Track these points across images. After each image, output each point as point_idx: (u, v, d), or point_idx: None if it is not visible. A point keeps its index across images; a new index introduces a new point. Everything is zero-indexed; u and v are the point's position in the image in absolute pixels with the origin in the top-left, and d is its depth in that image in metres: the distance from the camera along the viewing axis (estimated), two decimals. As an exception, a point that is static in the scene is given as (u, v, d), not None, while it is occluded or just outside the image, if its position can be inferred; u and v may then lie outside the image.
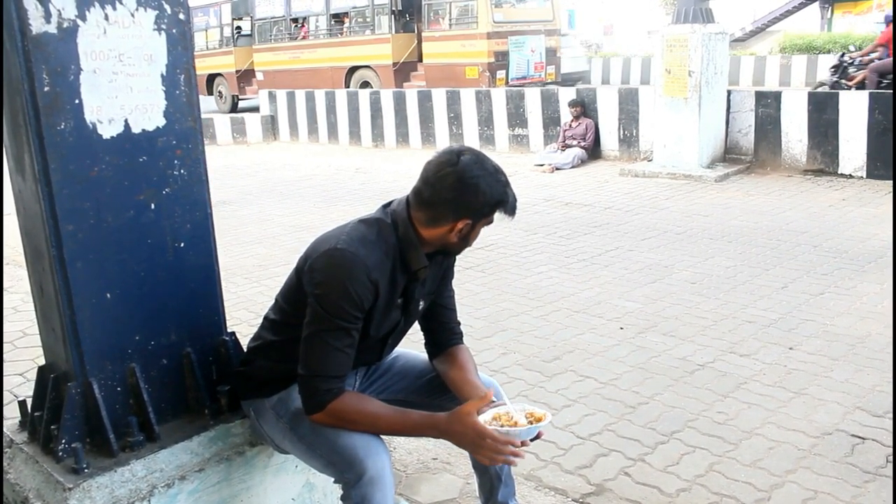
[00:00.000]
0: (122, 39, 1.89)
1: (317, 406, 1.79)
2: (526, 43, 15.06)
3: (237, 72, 19.85)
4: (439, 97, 11.55)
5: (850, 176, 8.09)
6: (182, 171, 2.02)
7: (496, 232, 6.34)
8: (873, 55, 11.88)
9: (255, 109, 15.84)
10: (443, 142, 11.37)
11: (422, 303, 2.02)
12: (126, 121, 1.90)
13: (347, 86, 16.24)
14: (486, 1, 14.32)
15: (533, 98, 10.61)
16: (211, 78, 20.72)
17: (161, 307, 2.01)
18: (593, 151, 9.79)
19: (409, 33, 16.12)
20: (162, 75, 1.98)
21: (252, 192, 8.99)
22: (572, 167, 9.36)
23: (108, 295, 1.89)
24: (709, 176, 8.23)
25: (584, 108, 9.84)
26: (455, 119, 11.32)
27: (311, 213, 7.64)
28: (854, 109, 8.00)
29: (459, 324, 2.20)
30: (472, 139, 11.11)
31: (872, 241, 5.79)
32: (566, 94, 10.28)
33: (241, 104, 20.72)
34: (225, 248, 6.26)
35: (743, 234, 6.11)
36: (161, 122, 1.98)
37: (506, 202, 1.83)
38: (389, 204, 1.95)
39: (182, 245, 2.03)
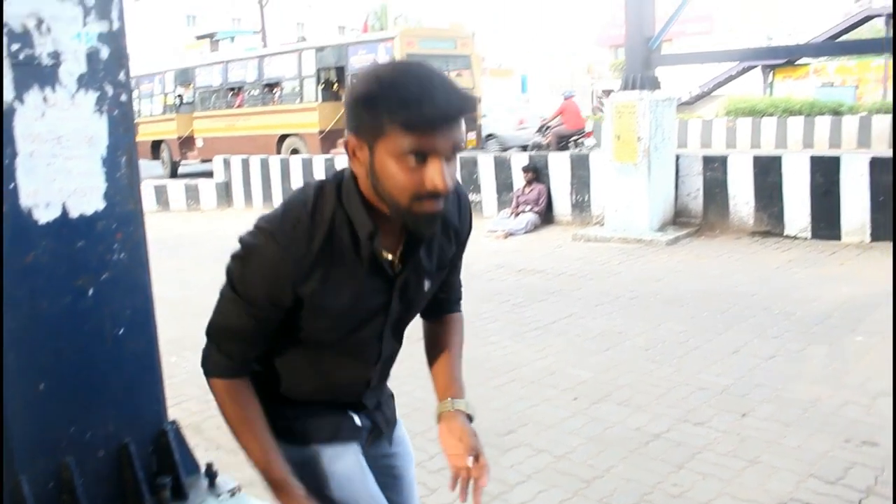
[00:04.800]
0: (62, 122, 1.86)
1: (206, 371, 1.59)
2: None
3: (179, 138, 20.34)
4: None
5: (796, 237, 8.26)
6: (122, 255, 1.98)
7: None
8: (553, 122, 15.58)
9: (197, 175, 15.92)
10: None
11: (427, 283, 1.59)
12: (64, 205, 1.86)
13: (279, 153, 16.60)
14: None
15: (486, 164, 10.73)
16: (156, 144, 21.21)
17: (98, 397, 1.94)
18: (546, 216, 9.89)
19: (336, 102, 16.64)
20: (102, 157, 1.95)
21: (206, 260, 8.88)
22: (526, 232, 9.43)
23: (42, 386, 1.82)
24: (660, 240, 8.35)
25: (537, 173, 9.97)
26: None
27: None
28: (797, 172, 8.22)
29: (461, 286, 1.85)
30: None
31: (819, 303, 5.88)
32: (519, 160, 10.42)
33: (182, 169, 21.17)
34: (177, 319, 6.13)
35: (694, 299, 6.18)
36: (101, 205, 1.94)
37: (392, 98, 1.26)
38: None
39: (121, 332, 1.98)
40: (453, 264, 1.69)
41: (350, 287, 1.46)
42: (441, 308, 1.82)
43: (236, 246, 1.48)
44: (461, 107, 1.30)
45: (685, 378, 4.42)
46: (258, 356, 1.59)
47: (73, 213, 1.88)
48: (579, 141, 16.36)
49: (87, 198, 1.91)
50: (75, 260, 1.88)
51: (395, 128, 1.26)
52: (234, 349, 1.53)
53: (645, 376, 4.49)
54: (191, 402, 4.31)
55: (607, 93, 13.26)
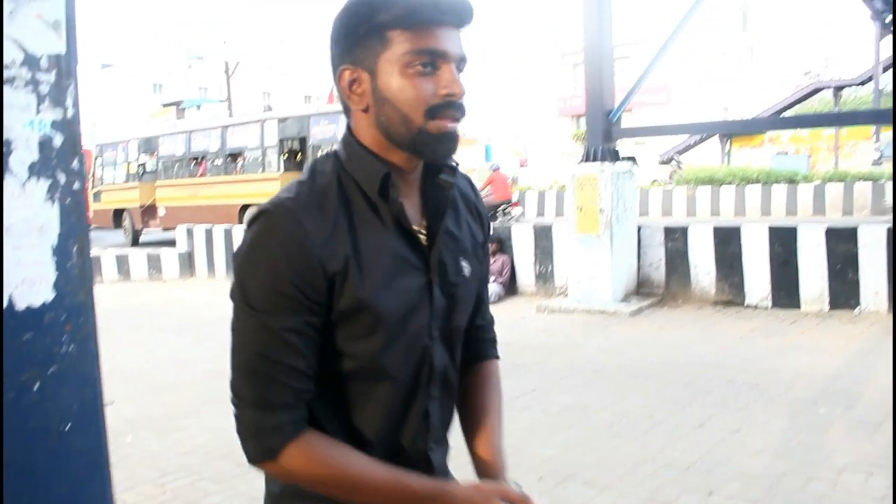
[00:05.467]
0: (11, 211, 1.81)
1: (264, 452, 1.18)
2: None
3: (141, 206, 20.29)
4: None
5: (757, 306, 8.36)
6: (71, 347, 1.91)
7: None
8: (483, 192, 15.37)
9: (159, 244, 15.82)
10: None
11: (465, 265, 1.33)
12: (10, 296, 1.80)
13: (241, 222, 16.63)
14: None
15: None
16: (118, 212, 21.19)
17: (43, 496, 1.86)
18: (510, 287, 9.91)
19: (298, 172, 16.58)
20: (53, 247, 1.89)
21: (167, 332, 8.75)
22: (490, 303, 9.39)
23: (-19, 487, 1.74)
24: (623, 311, 8.38)
25: (501, 244, 10.01)
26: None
27: (225, 358, 7.40)
28: (755, 242, 8.36)
29: (493, 321, 1.61)
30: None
31: (781, 374, 5.91)
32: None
33: (144, 238, 21.10)
34: (134, 396, 6.01)
35: (658, 371, 6.18)
36: (50, 296, 1.88)
37: (393, 3, 1.15)
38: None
39: (68, 427, 1.90)
40: (484, 263, 1.46)
41: (384, 257, 1.19)
42: (477, 345, 1.53)
43: (237, 251, 1.20)
44: (465, 4, 1.19)
45: (651, 454, 4.38)
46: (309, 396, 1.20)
47: (20, 305, 1.82)
48: (506, 210, 17.18)
49: (36, 288, 1.86)
50: (21, 353, 1.81)
51: (397, 32, 1.14)
52: (276, 395, 1.16)
53: (611, 453, 4.45)
54: (146, 485, 4.17)
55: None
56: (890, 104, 31.74)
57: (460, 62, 1.19)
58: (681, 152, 30.49)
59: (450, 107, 1.17)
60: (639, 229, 9.15)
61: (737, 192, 21.62)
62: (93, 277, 2.01)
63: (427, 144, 1.19)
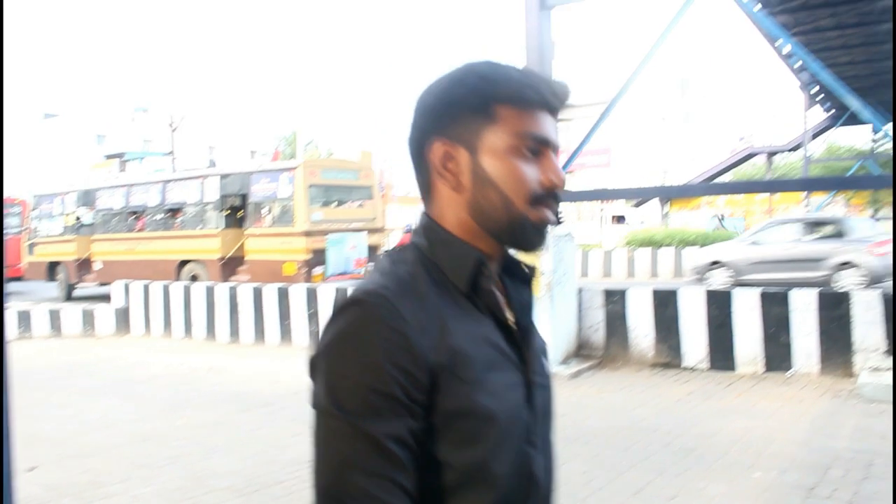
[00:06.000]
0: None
1: None
2: (345, 240, 15.90)
3: (77, 260, 19.91)
4: (298, 293, 11.50)
5: (694, 368, 8.47)
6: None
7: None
8: None
9: (92, 299, 15.48)
10: (300, 339, 11.22)
11: (546, 363, 1.23)
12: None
13: (178, 278, 16.51)
14: (303, 202, 15.36)
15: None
16: (53, 265, 20.75)
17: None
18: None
19: (238, 229, 16.79)
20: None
21: (97, 392, 8.48)
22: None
23: None
24: (563, 373, 8.41)
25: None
26: (314, 316, 11.24)
27: (158, 419, 7.22)
28: (692, 305, 8.51)
29: None
30: (331, 334, 10.97)
31: (719, 437, 5.97)
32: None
33: (78, 293, 20.67)
34: (59, 461, 5.79)
35: (597, 435, 6.18)
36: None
37: (503, 76, 1.08)
38: (413, 232, 1.17)
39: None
40: None
41: (486, 351, 1.06)
42: None
43: (322, 348, 1.03)
44: (568, 90, 1.11)
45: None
46: None
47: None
48: None
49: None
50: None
51: (508, 110, 1.06)
52: None
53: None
54: (66, 560, 3.99)
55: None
56: (818, 171, 33.02)
57: (556, 150, 1.13)
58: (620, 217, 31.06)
59: (552, 196, 1.10)
60: (579, 292, 9.25)
61: (675, 253, 22.07)
62: (4, 335, 1.94)
63: (525, 233, 1.09)
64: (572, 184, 26.74)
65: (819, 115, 27.77)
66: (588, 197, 12.35)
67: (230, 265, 16.49)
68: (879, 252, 14.59)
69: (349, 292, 1.05)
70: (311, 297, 11.30)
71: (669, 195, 19.31)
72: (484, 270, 1.08)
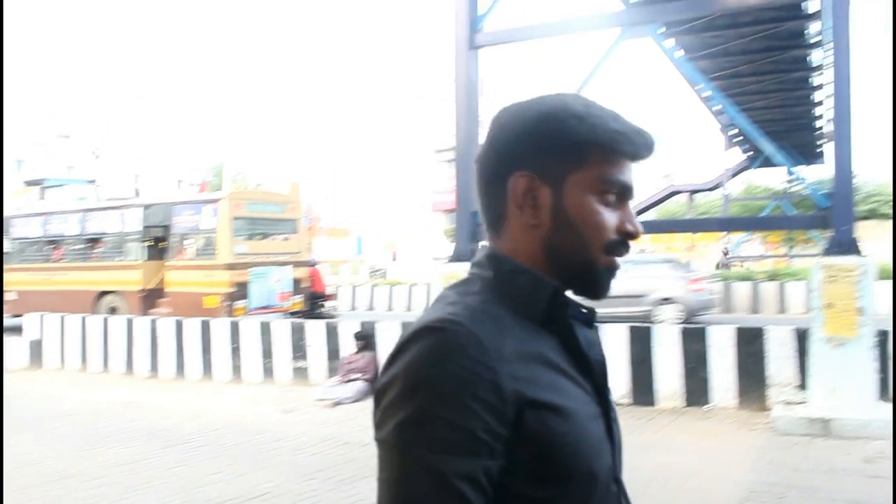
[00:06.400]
0: None
1: None
2: (269, 274, 15.75)
3: None
4: (220, 327, 11.28)
5: (617, 404, 8.51)
6: None
7: (269, 478, 6.04)
8: (304, 285, 16.62)
9: (7, 330, 14.93)
10: (221, 373, 10.99)
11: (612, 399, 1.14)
12: None
13: (95, 310, 15.97)
14: (227, 234, 15.16)
15: (315, 330, 10.62)
16: None
17: None
18: (376, 385, 9.77)
19: (160, 260, 16.46)
20: None
21: (9, 429, 8.11)
22: (355, 401, 9.26)
23: None
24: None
25: (367, 340, 9.95)
26: (236, 350, 11.04)
27: (72, 457, 6.95)
28: (616, 341, 8.63)
29: None
30: (253, 371, 10.81)
31: (640, 472, 5.96)
32: (347, 327, 10.39)
33: None
34: (-39, 505, 5.51)
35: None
36: None
37: (598, 118, 1.04)
38: (473, 265, 1.13)
39: None
40: None
41: (566, 383, 1.01)
42: None
43: (391, 379, 0.96)
44: (655, 141, 1.08)
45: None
46: None
47: None
48: (321, 303, 17.72)
49: None
50: None
51: (599, 154, 1.03)
52: None
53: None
54: None
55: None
56: (737, 209, 34.10)
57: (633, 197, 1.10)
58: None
59: (626, 245, 1.07)
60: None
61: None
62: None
63: (596, 278, 1.06)
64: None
65: (738, 155, 28.73)
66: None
67: (151, 297, 16.09)
68: (696, 288, 15.58)
69: (419, 321, 0.98)
70: (234, 330, 11.10)
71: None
72: (560, 301, 1.05)
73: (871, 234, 25.12)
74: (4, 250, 19.65)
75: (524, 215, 1.05)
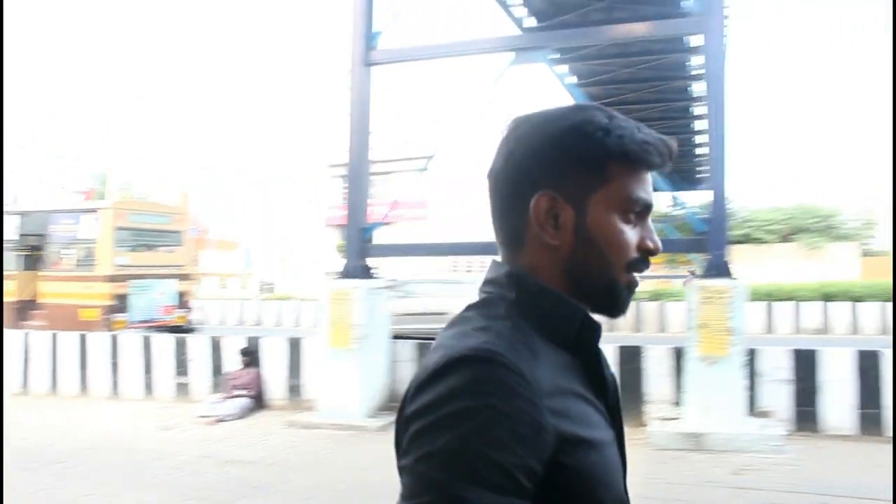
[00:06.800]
0: None
1: None
2: (152, 287, 15.34)
3: None
4: (99, 341, 10.84)
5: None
6: None
7: (145, 499, 5.82)
8: None
9: None
10: (99, 389, 10.55)
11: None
12: None
13: None
14: (108, 245, 14.64)
15: (198, 345, 10.34)
16: None
17: None
18: (261, 401, 9.61)
19: (35, 271, 15.70)
20: None
21: None
22: (238, 418, 9.04)
23: None
24: (372, 426, 8.36)
25: (253, 356, 9.76)
26: (116, 365, 10.62)
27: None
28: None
29: None
30: (133, 387, 10.42)
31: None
32: (231, 342, 10.17)
33: None
34: None
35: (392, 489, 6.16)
36: None
37: (631, 136, 1.01)
38: (488, 282, 1.07)
39: None
40: None
41: (593, 413, 0.99)
42: None
43: (424, 408, 0.89)
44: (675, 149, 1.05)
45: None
46: None
47: None
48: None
49: None
50: None
51: (622, 170, 1.00)
52: None
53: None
54: None
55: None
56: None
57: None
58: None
59: (647, 262, 1.04)
60: (391, 344, 9.29)
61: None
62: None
63: (616, 296, 1.03)
64: (394, 236, 27.00)
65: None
66: (399, 252, 12.41)
67: (24, 309, 15.26)
68: None
69: (450, 349, 0.92)
70: (114, 344, 10.69)
71: (484, 251, 19.81)
72: (589, 325, 1.02)
73: (745, 258, 26.49)
74: None
75: (545, 235, 1.01)
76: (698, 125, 19.99)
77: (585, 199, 1.00)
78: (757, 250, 29.45)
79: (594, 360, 1.03)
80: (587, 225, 1.00)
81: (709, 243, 8.01)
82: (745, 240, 30.84)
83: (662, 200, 34.55)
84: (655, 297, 21.89)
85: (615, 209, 1.01)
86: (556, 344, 0.98)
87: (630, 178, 1.01)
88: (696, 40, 13.29)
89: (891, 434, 7.42)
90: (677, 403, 8.05)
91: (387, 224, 22.02)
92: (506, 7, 11.98)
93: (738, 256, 22.19)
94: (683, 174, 27.44)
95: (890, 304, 17.40)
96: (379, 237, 10.27)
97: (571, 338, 1.00)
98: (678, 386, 8.08)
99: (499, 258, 1.08)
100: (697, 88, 16.90)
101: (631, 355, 8.47)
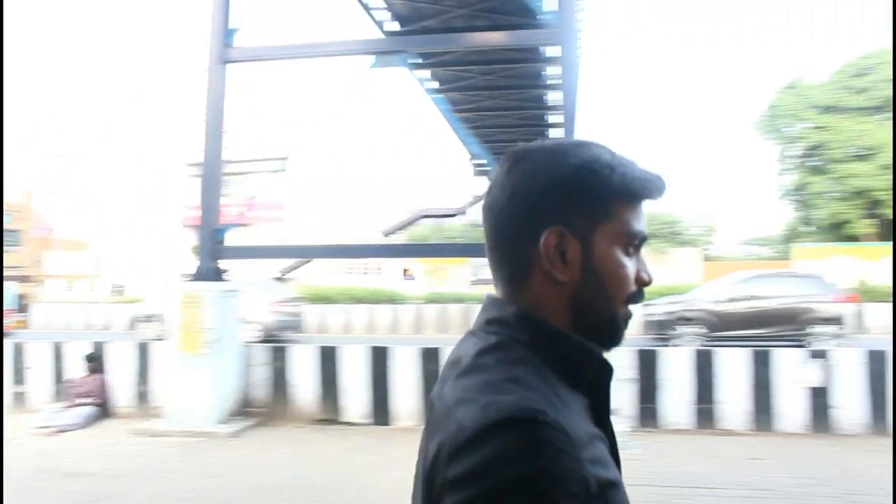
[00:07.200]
0: None
1: None
2: None
3: None
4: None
5: (356, 424, 8.67)
6: None
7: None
8: None
9: None
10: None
11: None
12: None
13: None
14: None
15: (37, 351, 9.80)
16: None
17: None
18: (105, 409, 9.21)
19: None
20: None
21: None
22: (80, 428, 8.63)
23: None
24: (224, 432, 8.19)
25: (98, 362, 9.34)
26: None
27: None
28: (354, 361, 8.75)
29: None
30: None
31: (373, 491, 6.16)
32: (75, 347, 9.70)
33: None
34: None
35: (252, 495, 6.08)
36: None
37: (632, 174, 1.04)
38: (493, 322, 1.05)
39: None
40: None
41: (611, 461, 0.98)
42: None
43: (470, 471, 0.86)
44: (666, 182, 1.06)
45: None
46: None
47: None
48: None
49: None
50: None
51: (623, 206, 1.02)
52: None
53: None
54: None
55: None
56: (481, 235, 35.79)
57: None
58: (296, 268, 31.27)
59: (642, 294, 1.05)
60: (244, 349, 9.12)
61: (345, 310, 22.71)
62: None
63: (617, 329, 1.04)
64: (246, 238, 26.43)
65: (485, 183, 30.23)
66: (251, 255, 12.13)
67: None
68: (277, 310, 17.05)
69: (488, 407, 0.89)
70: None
71: (333, 255, 19.58)
72: (607, 368, 1.02)
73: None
74: None
75: (555, 270, 1.01)
76: (553, 133, 20.59)
77: (591, 235, 1.01)
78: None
79: (605, 400, 1.03)
80: (593, 260, 1.01)
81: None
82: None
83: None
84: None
85: (618, 243, 1.02)
86: (568, 384, 0.98)
87: (630, 213, 1.03)
88: (552, 51, 13.71)
89: (723, 427, 7.98)
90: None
91: (243, 226, 21.61)
92: (368, 10, 11.98)
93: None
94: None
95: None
96: (234, 239, 10.07)
97: (588, 381, 1.01)
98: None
99: (496, 293, 1.07)
100: (553, 98, 17.41)
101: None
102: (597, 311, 1.02)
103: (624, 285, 1.03)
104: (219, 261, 9.04)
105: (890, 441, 7.51)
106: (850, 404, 7.94)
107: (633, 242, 1.04)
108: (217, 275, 8.88)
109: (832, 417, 7.95)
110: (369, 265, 38.47)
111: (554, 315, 1.01)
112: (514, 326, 1.00)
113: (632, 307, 1.06)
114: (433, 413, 0.99)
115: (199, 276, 8.81)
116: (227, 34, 9.27)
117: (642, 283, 1.05)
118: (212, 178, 9.20)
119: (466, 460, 0.86)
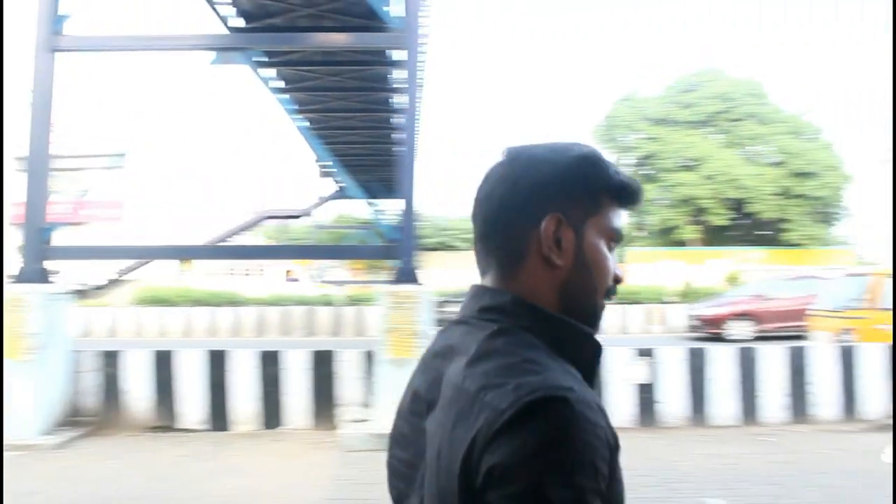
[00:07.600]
0: None
1: None
2: None
3: None
4: None
5: (193, 430, 8.44)
6: None
7: None
8: None
9: None
10: None
11: None
12: None
13: None
14: None
15: None
16: None
17: None
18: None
19: None
20: None
21: None
22: None
23: None
24: (48, 443, 7.74)
25: None
26: None
27: None
28: (191, 366, 8.53)
29: None
30: None
31: (207, 499, 6.05)
32: None
33: None
34: None
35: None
36: None
37: (610, 169, 1.10)
38: (490, 310, 1.08)
39: None
40: None
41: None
42: None
43: (513, 452, 0.88)
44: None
45: None
46: None
47: None
48: None
49: None
50: None
51: (610, 202, 1.09)
52: None
53: None
54: None
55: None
56: (326, 237, 35.65)
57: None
58: (133, 269, 29.99)
59: (615, 291, 1.12)
60: (74, 354, 8.66)
61: (185, 313, 22.01)
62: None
63: (597, 318, 1.10)
64: (86, 236, 25.06)
65: (332, 185, 30.02)
66: (83, 255, 11.52)
67: None
68: None
69: (520, 388, 0.91)
70: None
71: (167, 256, 18.85)
72: (602, 353, 1.08)
73: (441, 264, 27.99)
74: None
75: (555, 256, 1.06)
76: (398, 136, 20.77)
77: (583, 224, 1.07)
78: (454, 256, 31.22)
79: (596, 382, 1.08)
80: (584, 249, 1.07)
81: (399, 250, 8.40)
82: (442, 247, 32.59)
83: (362, 208, 35.33)
84: (355, 301, 22.42)
85: (604, 236, 1.09)
86: (569, 364, 1.03)
87: (614, 212, 1.10)
88: (399, 55, 13.83)
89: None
90: (367, 405, 8.35)
91: (74, 224, 20.50)
92: (212, 4, 11.68)
93: (432, 262, 23.42)
94: (387, 183, 28.31)
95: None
96: (64, 238, 9.57)
97: (586, 362, 1.05)
98: (368, 388, 8.38)
99: (485, 282, 1.12)
100: (400, 100, 17.55)
101: (324, 359, 8.65)
102: (584, 299, 1.08)
103: (607, 277, 1.10)
104: (46, 261, 8.55)
105: (707, 431, 8.16)
106: (673, 399, 8.50)
107: (614, 238, 1.11)
108: (43, 276, 8.40)
109: (657, 412, 8.48)
110: (251, 267, 37.47)
111: (545, 301, 1.06)
112: (513, 313, 1.05)
113: (606, 301, 1.13)
114: (442, 399, 1.02)
115: (23, 277, 8.30)
116: (55, 21, 8.79)
117: (617, 279, 1.12)
118: (38, 172, 8.70)
119: (512, 442, 0.89)
